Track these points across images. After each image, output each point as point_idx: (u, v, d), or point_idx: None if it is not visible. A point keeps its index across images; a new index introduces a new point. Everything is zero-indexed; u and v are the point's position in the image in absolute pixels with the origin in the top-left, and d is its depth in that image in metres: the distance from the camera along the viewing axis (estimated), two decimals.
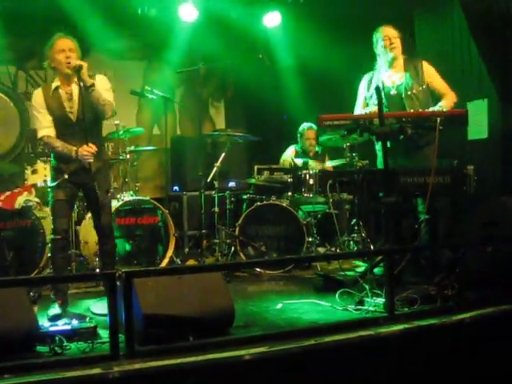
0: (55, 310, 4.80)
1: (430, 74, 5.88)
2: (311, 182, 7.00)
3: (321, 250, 7.58)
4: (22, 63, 8.86)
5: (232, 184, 8.24)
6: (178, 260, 7.06)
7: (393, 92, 5.85)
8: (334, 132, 5.70)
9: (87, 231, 6.39)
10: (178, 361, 3.42)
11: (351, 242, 7.38)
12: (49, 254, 5.35)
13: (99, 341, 3.90)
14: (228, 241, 7.27)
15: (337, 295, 4.96)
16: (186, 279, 4.08)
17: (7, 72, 8.76)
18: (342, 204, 7.75)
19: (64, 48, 4.84)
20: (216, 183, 7.01)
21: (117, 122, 6.84)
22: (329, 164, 7.99)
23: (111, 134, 7.13)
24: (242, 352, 3.57)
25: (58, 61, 4.87)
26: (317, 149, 8.22)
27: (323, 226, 7.57)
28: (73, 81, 4.94)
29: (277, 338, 3.84)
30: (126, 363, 3.39)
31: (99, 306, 4.90)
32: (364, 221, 7.40)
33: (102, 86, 4.98)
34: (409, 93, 5.78)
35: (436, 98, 5.85)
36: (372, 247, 7.19)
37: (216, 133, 8.13)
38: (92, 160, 4.86)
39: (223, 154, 7.01)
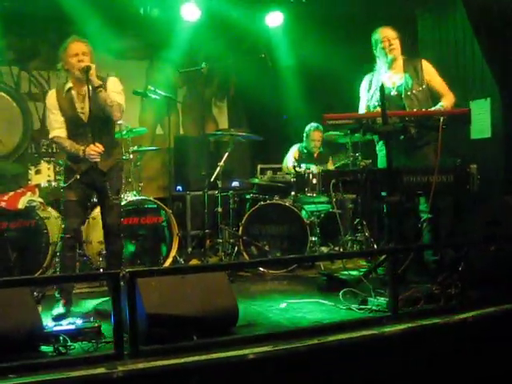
0: (59, 309, 4.84)
1: (430, 73, 5.87)
2: (314, 181, 6.97)
3: (324, 249, 7.59)
4: (24, 63, 8.88)
5: (235, 184, 8.25)
6: (181, 260, 7.07)
7: (393, 93, 5.84)
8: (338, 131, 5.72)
9: (90, 231, 6.40)
10: (182, 360, 3.43)
11: (354, 242, 7.38)
12: (58, 253, 5.37)
13: (103, 340, 3.90)
14: (231, 240, 7.28)
15: (340, 295, 4.96)
16: (190, 279, 4.09)
17: (10, 72, 8.78)
18: (346, 203, 7.76)
19: (77, 52, 4.93)
20: (219, 183, 7.02)
21: (120, 122, 6.84)
22: (332, 166, 8.01)
23: (114, 134, 7.13)
24: (246, 351, 3.57)
25: (71, 64, 4.96)
26: (320, 149, 8.22)
27: (326, 225, 7.57)
28: (85, 82, 4.97)
29: (280, 338, 3.84)
30: (130, 363, 3.39)
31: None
32: (367, 220, 7.40)
33: (114, 88, 5.09)
34: (408, 93, 5.78)
35: (435, 98, 5.84)
36: (375, 247, 7.20)
37: (219, 132, 8.12)
38: (99, 159, 4.93)
39: (226, 154, 7.01)
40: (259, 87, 9.24)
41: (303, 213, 7.24)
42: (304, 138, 8.29)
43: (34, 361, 3.41)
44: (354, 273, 5.94)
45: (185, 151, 9.11)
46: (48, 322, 4.06)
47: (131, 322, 3.52)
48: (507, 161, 6.87)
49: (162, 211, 7.00)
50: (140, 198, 6.97)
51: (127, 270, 3.58)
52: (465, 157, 5.98)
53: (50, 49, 8.84)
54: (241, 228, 7.11)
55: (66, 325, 3.97)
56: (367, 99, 6.01)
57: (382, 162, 5.96)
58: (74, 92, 5.08)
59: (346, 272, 5.89)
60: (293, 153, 8.24)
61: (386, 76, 5.92)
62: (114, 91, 5.08)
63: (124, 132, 7.03)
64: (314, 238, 7.18)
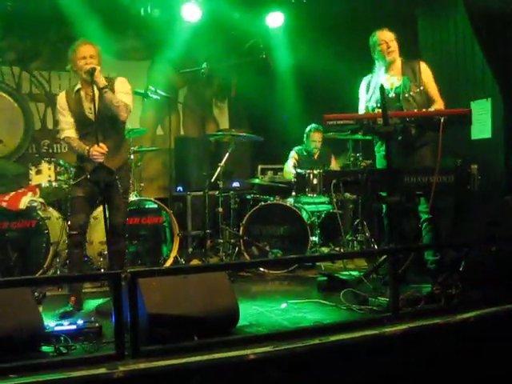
0: (67, 307, 4.93)
1: (427, 76, 5.86)
2: (315, 181, 6.98)
3: (324, 249, 7.59)
4: (25, 64, 8.88)
5: (236, 184, 8.26)
6: (182, 260, 7.08)
7: (391, 95, 5.82)
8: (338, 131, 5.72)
9: (92, 231, 6.39)
10: (183, 360, 3.43)
11: (355, 242, 7.38)
12: (66, 250, 5.43)
13: (104, 340, 3.90)
14: (232, 241, 7.29)
15: (341, 295, 4.96)
16: (191, 279, 4.09)
17: (11, 73, 8.78)
18: (346, 204, 7.77)
19: (85, 55, 5.05)
20: (220, 183, 7.02)
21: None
22: (336, 166, 8.01)
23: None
24: (247, 351, 3.57)
25: (79, 67, 5.08)
26: (321, 150, 8.22)
27: (327, 225, 7.58)
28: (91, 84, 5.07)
29: (281, 338, 3.84)
30: (131, 363, 3.39)
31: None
32: (368, 220, 7.41)
33: (122, 89, 5.21)
34: (406, 95, 5.77)
35: (429, 101, 5.83)
36: (376, 247, 7.20)
37: (220, 133, 8.13)
38: (102, 160, 5.02)
39: (227, 154, 7.01)
40: (260, 88, 9.24)
41: (304, 213, 7.24)
42: (304, 139, 8.29)
43: (35, 361, 3.41)
44: (355, 273, 5.94)
45: (185, 152, 9.11)
46: (49, 323, 4.05)
47: (132, 322, 3.53)
48: (508, 161, 6.88)
49: (163, 211, 7.01)
50: (141, 198, 6.97)
51: (129, 270, 3.58)
52: (465, 157, 5.99)
53: (51, 49, 8.88)
54: (241, 228, 7.12)
55: (67, 325, 3.97)
56: (366, 100, 6.01)
57: (380, 163, 5.97)
58: (82, 93, 5.20)
59: (346, 272, 5.89)
60: (292, 157, 8.23)
61: (384, 78, 5.91)
62: (122, 91, 5.19)
63: (124, 132, 7.02)
64: (314, 239, 7.19)
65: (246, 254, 7.07)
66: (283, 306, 5.03)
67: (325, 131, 7.37)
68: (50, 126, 9.01)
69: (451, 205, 6.45)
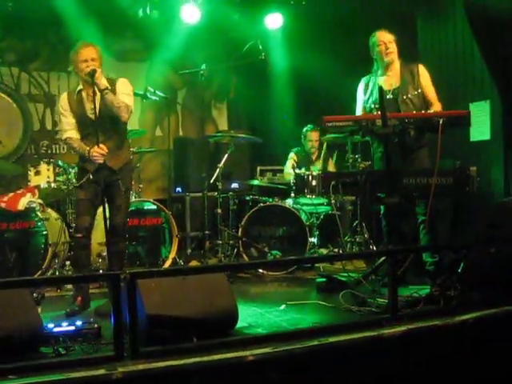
0: (74, 306, 4.98)
1: (425, 79, 5.86)
2: (314, 183, 7.02)
3: (323, 251, 7.59)
4: (24, 65, 8.89)
5: (235, 185, 8.25)
6: (180, 261, 7.08)
7: (389, 96, 5.82)
8: (337, 133, 5.72)
9: None
10: (182, 361, 3.42)
11: (354, 243, 7.38)
12: (71, 253, 5.64)
13: (103, 342, 3.90)
14: (231, 242, 7.28)
15: (340, 296, 4.96)
16: (190, 280, 4.09)
17: (10, 73, 8.78)
18: (345, 205, 7.77)
19: (87, 58, 5.08)
20: (219, 184, 7.01)
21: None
22: (332, 167, 8.02)
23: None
24: (246, 353, 3.57)
25: (81, 69, 5.11)
26: (320, 150, 8.23)
27: (326, 227, 7.58)
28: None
29: (280, 339, 3.84)
30: (130, 364, 3.39)
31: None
32: (366, 222, 7.41)
33: (123, 90, 5.26)
34: (404, 97, 5.77)
35: (426, 104, 5.83)
36: (374, 248, 7.20)
37: (219, 134, 8.13)
38: (101, 161, 5.06)
39: (226, 156, 7.01)
40: (259, 89, 9.25)
41: (302, 214, 7.24)
42: (302, 140, 8.30)
43: (34, 362, 3.41)
44: (354, 274, 5.94)
45: (184, 153, 9.11)
46: (49, 323, 4.05)
47: (131, 323, 3.52)
48: (506, 163, 6.88)
49: (162, 213, 7.02)
50: (140, 199, 6.97)
51: (128, 271, 3.58)
52: (464, 159, 5.99)
53: (50, 50, 8.89)
54: (240, 229, 7.11)
55: (65, 326, 3.97)
56: (364, 101, 6.01)
57: (377, 165, 5.97)
58: (83, 94, 5.24)
59: (345, 273, 5.89)
60: (291, 158, 8.24)
61: (382, 79, 5.91)
62: (124, 92, 5.23)
63: (126, 133, 7.02)
64: (313, 240, 7.20)
65: (244, 256, 7.07)
66: (282, 307, 5.03)
67: (323, 133, 7.39)
68: (48, 126, 9.02)
69: (450, 207, 6.46)
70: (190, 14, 8.40)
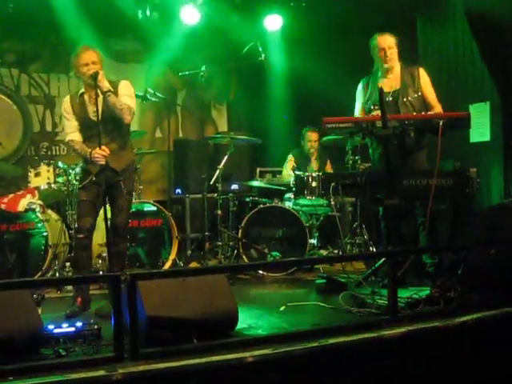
0: (74, 307, 5.00)
1: (426, 82, 5.87)
2: (314, 184, 7.00)
3: (323, 252, 7.59)
4: (24, 66, 8.88)
5: (234, 186, 8.25)
6: (180, 262, 7.08)
7: (389, 99, 5.82)
8: (337, 134, 5.73)
9: None
10: (182, 363, 3.43)
11: (354, 245, 7.38)
12: (72, 253, 5.62)
13: (103, 343, 3.90)
14: (231, 243, 7.29)
15: (340, 297, 4.96)
16: (190, 281, 4.09)
17: (10, 75, 8.78)
18: (345, 206, 7.77)
19: (88, 62, 5.13)
20: (219, 186, 7.00)
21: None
22: (330, 169, 8.04)
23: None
24: (246, 354, 3.57)
25: (82, 72, 5.17)
26: (318, 153, 8.24)
27: (326, 228, 7.58)
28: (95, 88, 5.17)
29: (280, 340, 3.84)
30: (130, 365, 3.40)
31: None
32: (366, 223, 7.40)
33: (125, 92, 5.30)
34: (404, 99, 5.77)
35: (426, 107, 5.83)
36: (374, 249, 7.20)
37: (218, 135, 8.13)
38: (103, 162, 5.08)
39: (226, 157, 7.01)
40: (258, 90, 9.26)
41: (302, 216, 7.24)
42: (301, 141, 8.31)
43: (34, 363, 3.41)
44: (354, 276, 5.94)
45: (184, 154, 9.10)
46: (49, 324, 4.05)
47: (131, 324, 3.53)
48: (506, 164, 6.89)
49: (162, 214, 7.01)
50: (139, 200, 6.97)
51: (128, 273, 3.59)
52: (464, 160, 6.00)
53: (50, 52, 8.89)
54: (240, 231, 7.11)
55: (66, 327, 3.97)
56: (363, 101, 6.00)
57: (376, 166, 5.98)
58: (86, 96, 5.29)
59: (345, 275, 5.89)
60: (290, 160, 8.25)
61: (382, 81, 5.91)
62: (126, 94, 5.28)
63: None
64: (313, 241, 7.20)
65: (244, 257, 7.07)
66: (282, 308, 5.03)
67: (322, 134, 7.41)
68: (48, 128, 9.02)
69: (450, 208, 6.46)
70: (190, 16, 8.40)
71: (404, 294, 4.75)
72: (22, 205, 6.33)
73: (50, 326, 3.93)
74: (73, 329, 3.96)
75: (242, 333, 4.20)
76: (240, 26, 8.63)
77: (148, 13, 8.29)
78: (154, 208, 6.98)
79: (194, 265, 7.29)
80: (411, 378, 3.96)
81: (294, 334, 4.07)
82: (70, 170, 6.53)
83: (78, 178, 6.32)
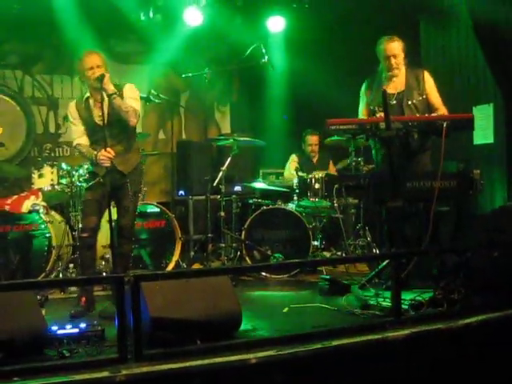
0: (78, 307, 5.05)
1: (430, 85, 5.83)
2: (317, 186, 7.03)
3: (326, 254, 7.58)
4: (28, 68, 8.90)
5: (238, 188, 8.24)
6: (183, 264, 7.08)
7: (393, 102, 5.79)
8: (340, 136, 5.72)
9: None
10: (186, 364, 3.43)
11: (357, 247, 7.38)
12: (78, 252, 5.70)
13: (107, 344, 3.91)
14: (234, 245, 7.30)
15: (343, 299, 4.96)
16: (193, 283, 4.10)
17: (13, 76, 8.80)
18: (348, 208, 7.76)
19: (92, 66, 5.20)
20: (222, 187, 7.01)
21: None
22: (333, 171, 8.03)
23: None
24: (249, 356, 3.57)
25: (88, 76, 5.24)
26: (320, 155, 8.25)
27: (329, 230, 7.58)
28: (101, 91, 5.21)
29: (284, 342, 3.84)
30: (133, 366, 3.40)
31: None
32: (370, 225, 7.40)
33: (130, 95, 5.37)
34: (409, 102, 5.74)
35: (430, 110, 5.82)
36: (378, 251, 7.19)
37: (222, 137, 8.14)
38: (109, 164, 5.13)
39: (229, 159, 7.01)
40: (261, 92, 9.26)
41: (305, 218, 7.24)
42: (302, 144, 8.33)
43: (38, 364, 3.41)
44: (357, 277, 5.94)
45: (187, 156, 9.09)
46: (53, 325, 4.05)
47: (135, 325, 3.53)
48: (510, 166, 6.89)
49: (165, 215, 7.02)
50: (143, 202, 6.97)
51: (132, 274, 3.59)
52: (468, 162, 5.99)
53: (53, 53, 8.90)
54: (243, 232, 7.12)
55: (69, 328, 3.98)
56: (368, 101, 5.96)
57: (379, 168, 5.96)
58: (91, 100, 5.36)
59: (348, 277, 5.89)
60: (293, 161, 8.25)
61: (386, 83, 5.88)
62: (131, 97, 5.34)
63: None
64: (316, 243, 7.19)
65: (247, 259, 7.07)
66: (285, 310, 5.03)
67: (323, 136, 7.41)
68: (52, 129, 9.03)
69: (453, 210, 6.45)
70: (193, 17, 8.40)
71: (407, 296, 4.74)
72: (26, 206, 6.35)
73: (54, 327, 3.95)
74: (76, 330, 3.97)
75: (245, 334, 4.20)
76: (243, 27, 8.63)
77: (151, 14, 8.30)
78: (158, 209, 6.99)
79: (196, 266, 7.29)
80: (415, 380, 3.96)
81: (298, 336, 4.06)
82: (74, 172, 6.52)
83: (81, 179, 6.33)
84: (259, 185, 7.90)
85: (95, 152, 5.19)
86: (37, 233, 6.36)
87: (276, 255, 6.97)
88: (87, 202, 5.37)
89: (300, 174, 7.29)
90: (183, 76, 8.21)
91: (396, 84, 5.83)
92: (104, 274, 6.25)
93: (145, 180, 7.58)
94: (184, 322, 3.87)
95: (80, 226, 5.50)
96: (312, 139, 8.21)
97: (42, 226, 6.36)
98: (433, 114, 5.57)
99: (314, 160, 8.25)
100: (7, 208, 6.26)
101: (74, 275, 6.31)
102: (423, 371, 3.99)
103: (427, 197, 5.22)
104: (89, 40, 7.56)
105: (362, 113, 5.98)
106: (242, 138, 7.30)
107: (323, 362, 3.75)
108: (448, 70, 7.61)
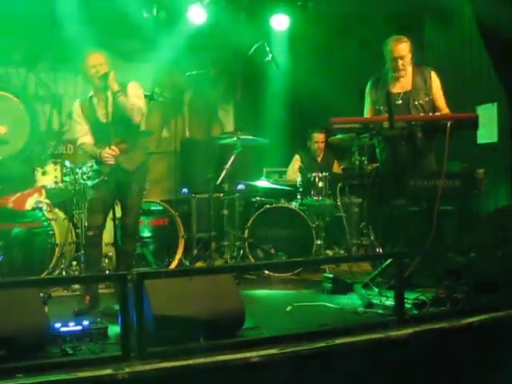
0: (82, 305, 5.07)
1: (437, 86, 5.80)
2: (320, 184, 7.03)
3: (329, 252, 7.58)
4: (31, 65, 8.89)
5: (241, 187, 8.24)
6: (186, 262, 7.08)
7: (399, 102, 5.77)
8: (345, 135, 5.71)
9: None
10: (189, 362, 3.44)
11: (360, 246, 7.37)
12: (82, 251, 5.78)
13: (110, 342, 3.91)
14: (237, 243, 7.29)
15: (346, 298, 4.96)
16: (197, 281, 4.10)
17: (17, 74, 8.79)
18: (351, 207, 7.75)
19: (95, 64, 5.22)
20: (225, 186, 7.00)
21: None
22: (338, 170, 8.02)
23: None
24: (252, 354, 3.58)
25: (91, 75, 5.26)
26: (324, 154, 8.24)
27: (332, 228, 7.56)
28: (105, 89, 5.21)
29: (287, 340, 3.84)
30: (136, 364, 3.40)
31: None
32: (373, 224, 7.38)
33: (134, 93, 5.37)
34: (416, 102, 5.72)
35: (435, 110, 5.80)
36: (381, 250, 7.19)
37: (225, 135, 8.13)
38: (113, 162, 5.14)
39: (233, 157, 7.00)
40: (265, 90, 9.25)
41: (309, 216, 7.23)
42: (307, 142, 8.32)
43: (41, 361, 3.43)
44: (360, 276, 5.93)
45: (191, 154, 9.10)
46: (55, 323, 4.05)
47: (138, 323, 3.53)
48: None
49: (168, 213, 7.02)
50: (146, 200, 6.97)
51: (135, 272, 3.60)
52: (472, 161, 5.98)
53: (56, 51, 8.87)
54: (247, 231, 7.12)
55: (73, 326, 3.98)
56: (374, 100, 5.93)
57: (383, 167, 5.95)
58: (95, 99, 5.39)
59: (351, 275, 5.88)
60: (296, 160, 8.25)
61: (393, 82, 5.85)
62: (135, 95, 5.34)
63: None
64: (319, 242, 7.18)
65: (250, 257, 7.07)
66: (288, 308, 5.03)
67: (328, 135, 7.39)
68: (55, 127, 9.03)
69: (457, 209, 6.44)
70: (197, 15, 8.39)
71: (410, 295, 4.74)
72: (29, 203, 6.35)
73: (57, 325, 3.95)
74: (80, 327, 3.98)
75: (248, 333, 4.19)
76: (247, 25, 8.62)
77: (155, 12, 8.29)
78: (161, 207, 7.00)
79: (200, 264, 7.30)
80: (418, 378, 3.96)
81: (301, 335, 4.06)
82: (77, 169, 6.52)
83: (85, 176, 6.33)
84: (262, 183, 7.89)
85: (99, 150, 5.20)
86: (40, 230, 6.37)
87: (279, 254, 6.97)
88: (93, 201, 5.37)
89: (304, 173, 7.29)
90: (187, 74, 8.20)
91: (402, 83, 5.80)
92: (107, 271, 6.25)
93: (148, 178, 7.60)
94: (187, 320, 3.87)
95: (85, 223, 5.49)
96: (318, 136, 8.20)
97: (46, 224, 6.37)
98: (436, 114, 5.56)
99: (319, 159, 8.25)
100: (10, 205, 6.27)
101: (77, 273, 6.31)
102: (426, 370, 3.99)
103: (431, 196, 5.23)
104: (92, 38, 7.55)
105: (367, 112, 5.96)
106: (245, 137, 7.28)
107: (327, 360, 3.75)
108: (452, 68, 7.60)
